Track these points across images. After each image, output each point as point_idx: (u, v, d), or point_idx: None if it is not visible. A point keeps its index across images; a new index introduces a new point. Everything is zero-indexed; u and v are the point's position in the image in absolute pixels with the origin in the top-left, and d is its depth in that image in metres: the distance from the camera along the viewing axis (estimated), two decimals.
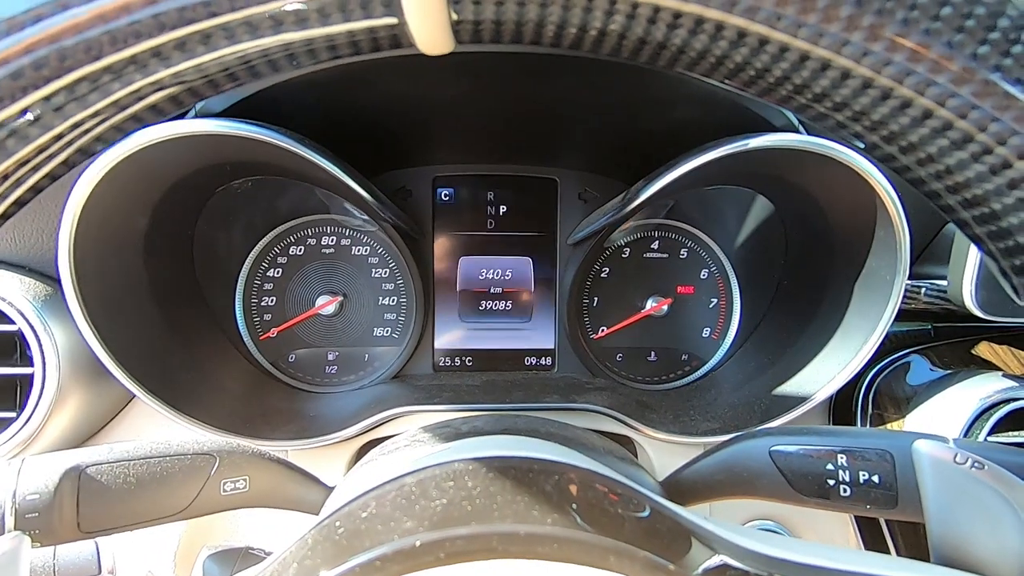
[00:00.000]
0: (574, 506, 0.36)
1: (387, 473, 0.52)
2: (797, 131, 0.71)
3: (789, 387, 0.89)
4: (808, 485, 0.64)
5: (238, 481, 0.65)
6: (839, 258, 0.81)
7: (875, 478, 0.61)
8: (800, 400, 0.86)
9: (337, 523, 0.38)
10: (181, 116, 0.65)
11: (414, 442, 0.67)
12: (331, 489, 0.68)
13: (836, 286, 0.83)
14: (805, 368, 0.87)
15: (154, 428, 0.90)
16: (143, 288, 0.79)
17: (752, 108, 0.67)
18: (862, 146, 0.33)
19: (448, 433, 0.67)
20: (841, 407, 0.94)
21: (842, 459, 0.63)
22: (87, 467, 0.58)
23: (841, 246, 0.80)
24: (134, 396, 0.80)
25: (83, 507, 0.56)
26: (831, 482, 0.63)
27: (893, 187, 0.68)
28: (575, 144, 0.96)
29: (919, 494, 0.58)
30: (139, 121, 0.33)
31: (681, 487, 0.70)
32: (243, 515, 0.87)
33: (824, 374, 0.84)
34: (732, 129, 0.71)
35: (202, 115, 0.65)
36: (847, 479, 0.62)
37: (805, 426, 0.75)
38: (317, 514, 0.67)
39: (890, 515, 0.60)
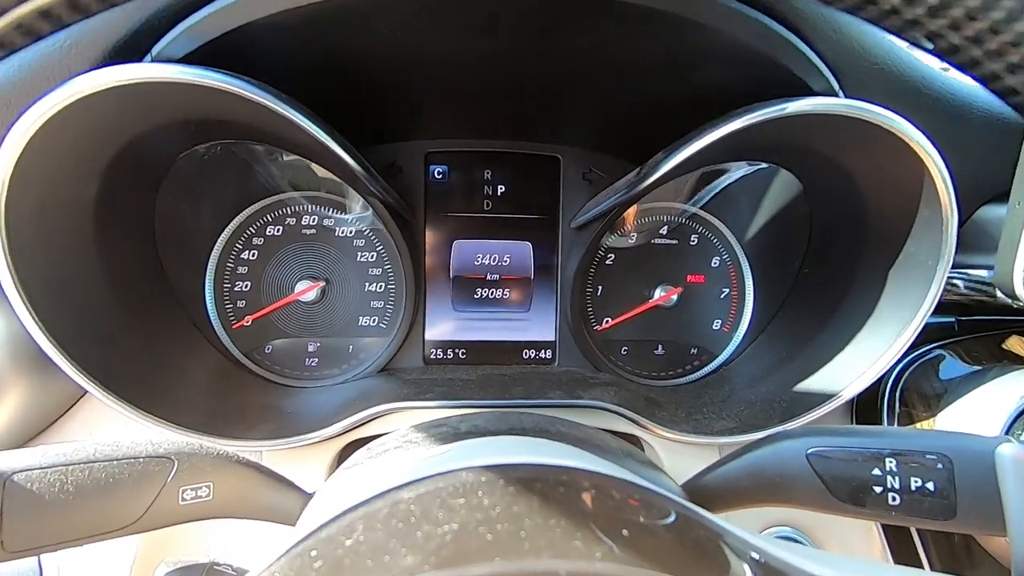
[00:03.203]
0: (625, 532, 0.28)
1: (376, 483, 0.43)
2: (837, 95, 0.63)
3: (812, 383, 0.82)
4: (851, 493, 0.57)
5: (200, 488, 0.56)
6: (873, 241, 0.74)
7: (929, 485, 0.54)
8: (825, 397, 0.79)
9: (313, 552, 0.30)
10: (137, 60, 0.56)
11: (405, 443, 0.59)
12: (309, 496, 0.60)
13: (868, 273, 0.76)
14: (830, 363, 0.81)
15: (110, 427, 0.81)
16: (94, 266, 0.69)
17: (792, 68, 0.60)
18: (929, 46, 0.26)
19: (444, 433, 0.59)
20: (865, 405, 0.87)
21: (891, 463, 0.56)
22: (13, 474, 0.49)
23: (876, 228, 0.73)
24: (86, 391, 0.71)
25: (8, 521, 0.47)
26: (877, 489, 0.56)
27: (944, 161, 0.61)
28: (581, 117, 0.87)
29: (983, 503, 0.52)
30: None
31: (705, 493, 0.62)
32: (209, 525, 0.78)
33: (852, 369, 0.77)
34: (761, 94, 0.63)
35: (160, 60, 0.56)
36: (896, 486, 0.55)
37: (847, 426, 0.68)
38: (294, 524, 0.59)
39: (945, 527, 0.53)
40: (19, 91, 0.56)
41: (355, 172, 0.67)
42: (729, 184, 0.92)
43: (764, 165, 0.81)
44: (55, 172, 0.59)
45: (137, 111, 0.58)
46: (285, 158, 0.88)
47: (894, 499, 0.55)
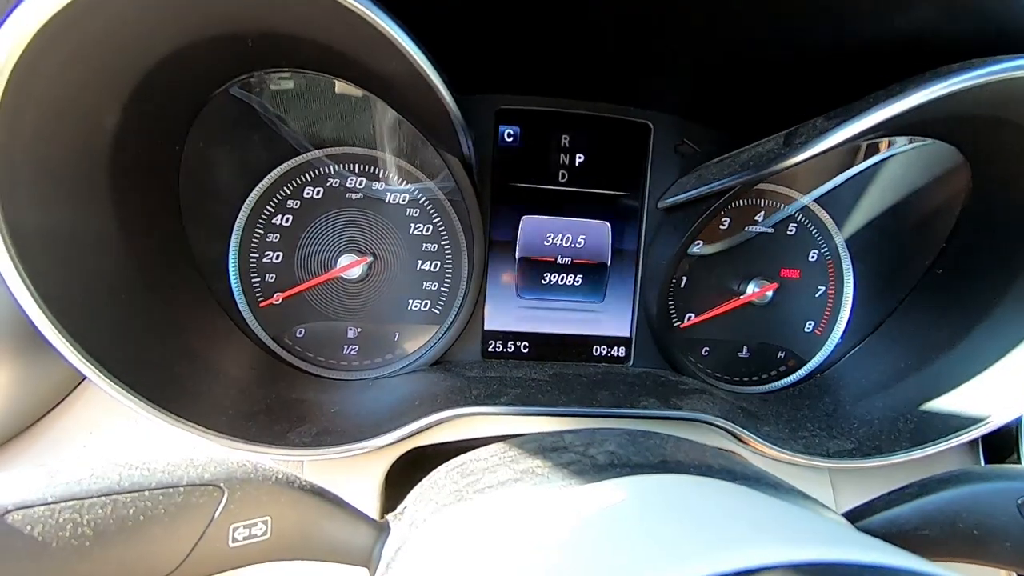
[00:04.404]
0: None
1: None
2: None
3: (949, 402, 0.71)
4: None
5: (255, 525, 0.43)
6: None
7: None
8: (970, 420, 0.68)
9: None
10: None
11: (524, 474, 0.46)
12: (382, 528, 0.47)
13: None
14: (975, 378, 0.69)
15: (113, 424, 0.66)
16: (108, 223, 0.53)
17: None
18: None
19: (577, 463, 0.45)
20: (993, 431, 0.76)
21: None
22: (9, 513, 0.34)
23: None
24: (84, 378, 0.56)
25: None
26: None
27: None
28: (692, 75, 0.73)
29: None
30: None
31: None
32: (262, 571, 0.63)
33: (1009, 387, 0.66)
34: (971, 48, 0.51)
35: None
36: None
37: None
38: (365, 565, 0.46)
39: None
40: None
41: (451, 119, 0.52)
42: (876, 164, 0.79)
43: (928, 142, 0.69)
44: (64, 92, 0.43)
45: (181, 14, 0.43)
46: (340, 101, 0.72)
47: None
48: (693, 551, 0.25)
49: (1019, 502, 0.48)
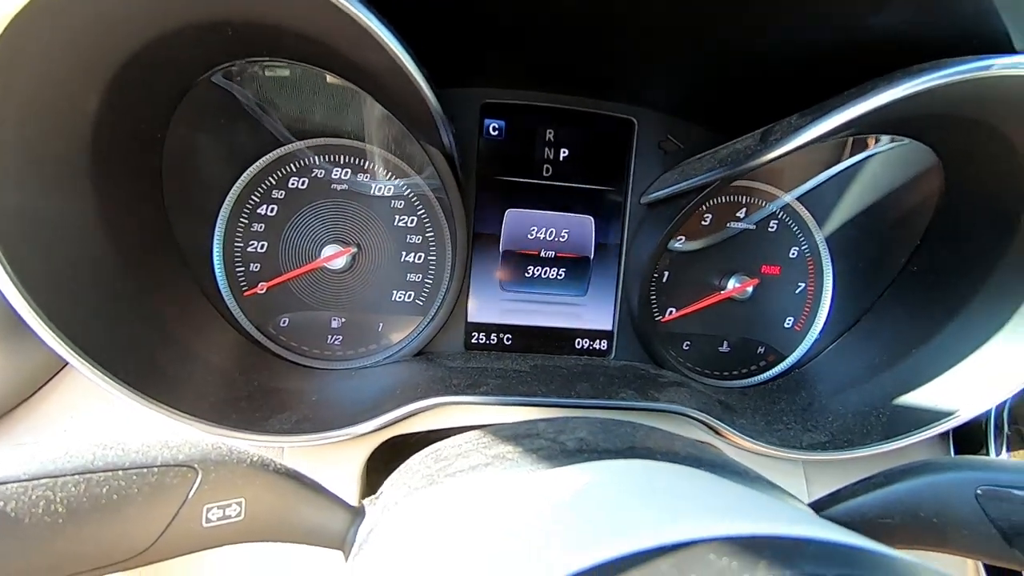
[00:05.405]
0: None
1: (490, 535, 0.31)
2: None
3: (920, 396, 0.72)
4: None
5: (229, 506, 0.43)
6: None
7: None
8: (939, 414, 0.69)
9: None
10: None
11: (495, 459, 0.47)
12: (357, 512, 0.48)
13: (1011, 271, 0.65)
14: (946, 373, 0.71)
15: (94, 410, 0.66)
16: (88, 206, 0.54)
17: (1003, 15, 0.48)
18: None
19: (546, 448, 0.46)
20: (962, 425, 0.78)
21: None
22: None
23: None
24: (66, 363, 0.56)
25: None
26: None
27: None
28: (675, 72, 0.74)
29: None
30: None
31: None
32: (235, 553, 0.64)
33: (978, 381, 0.67)
34: (942, 48, 0.52)
35: None
36: None
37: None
38: (340, 548, 0.47)
39: None
40: None
41: (431, 112, 0.53)
42: (856, 163, 0.81)
43: (906, 141, 0.70)
44: (46, 76, 0.44)
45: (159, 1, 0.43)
46: (327, 92, 0.73)
47: None
48: (645, 528, 0.26)
49: (977, 492, 0.49)
